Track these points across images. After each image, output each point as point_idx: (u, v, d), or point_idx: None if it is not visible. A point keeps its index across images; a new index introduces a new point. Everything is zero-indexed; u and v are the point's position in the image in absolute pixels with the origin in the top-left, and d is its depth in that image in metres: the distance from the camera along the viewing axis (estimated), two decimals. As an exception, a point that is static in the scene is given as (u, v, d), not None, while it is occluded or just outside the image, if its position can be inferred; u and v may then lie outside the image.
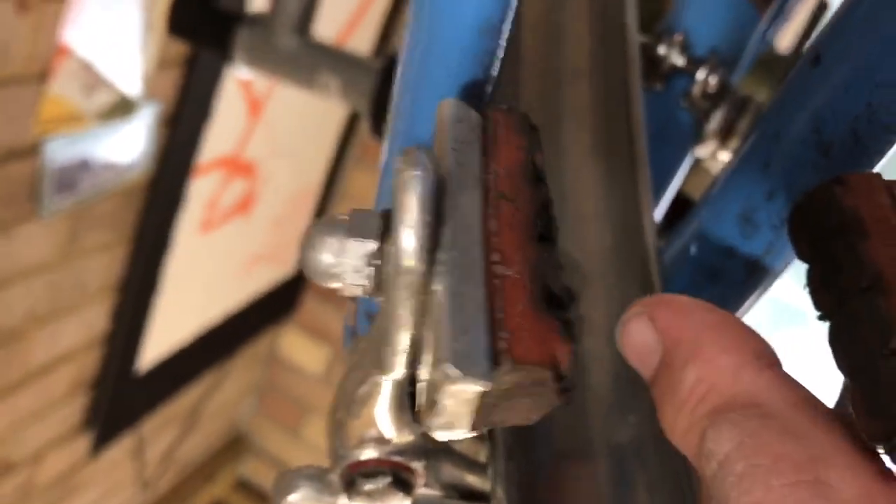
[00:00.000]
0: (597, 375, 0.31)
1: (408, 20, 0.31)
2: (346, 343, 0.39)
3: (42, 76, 1.06)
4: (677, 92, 0.53)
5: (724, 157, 0.55)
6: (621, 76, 0.41)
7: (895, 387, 0.21)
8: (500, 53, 0.30)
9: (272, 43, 1.07)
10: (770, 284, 0.35)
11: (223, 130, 1.44)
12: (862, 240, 0.24)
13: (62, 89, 1.11)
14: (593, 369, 0.31)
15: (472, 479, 0.34)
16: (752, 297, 0.36)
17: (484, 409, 0.22)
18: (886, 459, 0.21)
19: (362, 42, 1.72)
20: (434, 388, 0.21)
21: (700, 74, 0.52)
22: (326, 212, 1.96)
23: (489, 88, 0.30)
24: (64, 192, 1.19)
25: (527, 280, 0.23)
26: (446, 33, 0.29)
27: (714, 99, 0.53)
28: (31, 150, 1.10)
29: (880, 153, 0.31)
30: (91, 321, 1.41)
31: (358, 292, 0.25)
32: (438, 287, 0.23)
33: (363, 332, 0.37)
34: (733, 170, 0.36)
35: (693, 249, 0.36)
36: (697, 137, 0.54)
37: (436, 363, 0.21)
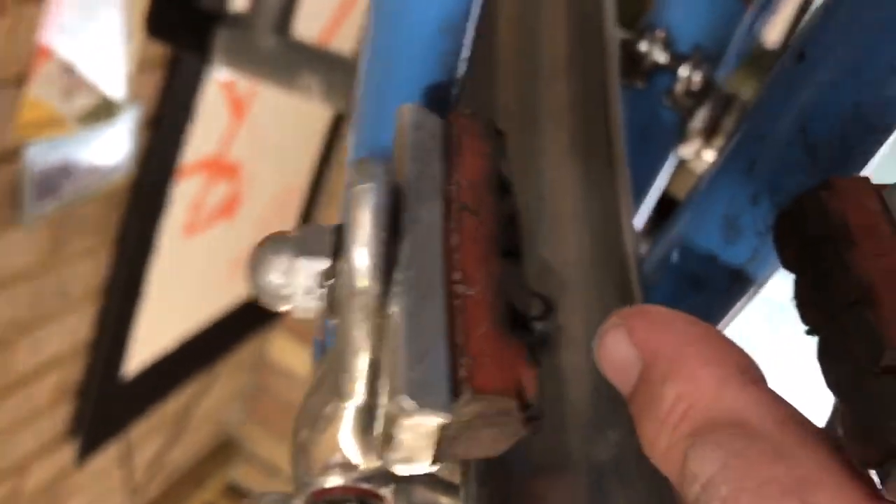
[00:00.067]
0: (575, 389, 0.29)
1: (366, 21, 0.30)
2: (316, 356, 0.38)
3: (20, 80, 1.04)
4: (660, 90, 0.52)
5: (709, 156, 0.53)
6: (599, 75, 0.39)
7: (887, 408, 0.19)
8: (465, 54, 0.28)
9: (252, 43, 1.05)
10: (755, 293, 0.34)
11: (206, 132, 1.43)
12: (850, 249, 0.22)
13: (41, 93, 1.09)
14: (571, 383, 0.29)
15: (447, 502, 0.33)
16: (736, 306, 0.34)
17: (444, 442, 0.20)
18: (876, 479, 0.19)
19: (346, 41, 1.70)
20: (390, 421, 0.20)
21: (683, 71, 0.51)
22: (313, 214, 1.95)
23: (454, 91, 0.29)
24: (45, 197, 1.18)
25: (490, 300, 0.21)
26: (406, 33, 0.28)
27: (698, 96, 0.52)
28: (11, 155, 1.09)
29: (869, 154, 0.29)
30: (75, 327, 1.39)
31: (310, 315, 0.23)
32: (395, 309, 0.21)
33: (332, 345, 0.36)
34: (717, 171, 0.34)
35: (675, 256, 0.35)
36: (681, 136, 0.53)
37: (391, 394, 0.20)
